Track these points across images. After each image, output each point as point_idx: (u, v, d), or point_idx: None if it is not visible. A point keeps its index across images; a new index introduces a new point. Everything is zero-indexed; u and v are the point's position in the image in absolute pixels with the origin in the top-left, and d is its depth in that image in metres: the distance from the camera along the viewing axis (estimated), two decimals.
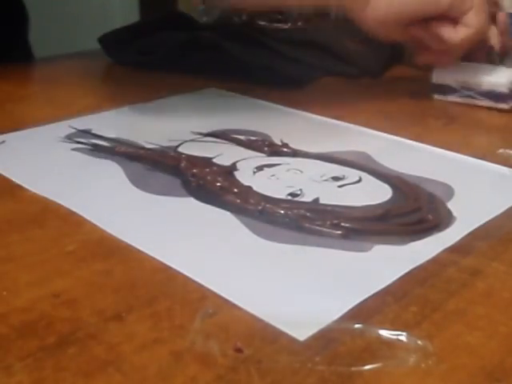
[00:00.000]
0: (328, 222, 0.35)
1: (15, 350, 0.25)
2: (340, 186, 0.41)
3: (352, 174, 0.43)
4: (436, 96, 0.65)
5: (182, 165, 0.43)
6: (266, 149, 0.47)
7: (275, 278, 0.30)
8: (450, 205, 0.39)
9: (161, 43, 0.69)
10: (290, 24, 0.74)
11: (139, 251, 0.32)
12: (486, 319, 0.28)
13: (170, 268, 0.31)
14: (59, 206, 0.37)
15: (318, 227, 0.35)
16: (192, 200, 0.38)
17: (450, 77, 0.64)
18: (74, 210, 0.36)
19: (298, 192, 0.39)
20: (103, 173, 0.42)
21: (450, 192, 0.40)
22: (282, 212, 0.36)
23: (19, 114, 0.56)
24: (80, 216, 0.36)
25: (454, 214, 0.37)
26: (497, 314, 0.28)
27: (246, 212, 0.37)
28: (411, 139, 0.50)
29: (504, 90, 0.60)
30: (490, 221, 0.37)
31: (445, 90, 0.64)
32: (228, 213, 0.37)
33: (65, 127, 0.50)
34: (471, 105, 0.61)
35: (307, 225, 0.35)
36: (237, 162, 0.44)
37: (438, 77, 0.65)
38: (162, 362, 0.24)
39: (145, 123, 0.53)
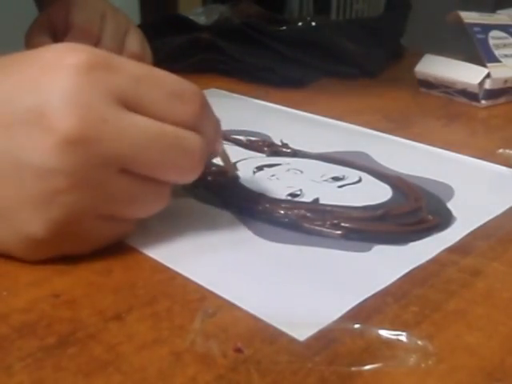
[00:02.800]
0: (328, 222, 0.35)
1: (15, 350, 0.25)
2: (340, 186, 0.41)
3: (352, 174, 0.43)
4: (421, 89, 0.66)
5: None
6: (265, 149, 0.47)
7: (275, 278, 0.30)
8: (450, 205, 0.39)
9: (161, 46, 0.69)
10: (289, 24, 0.74)
11: (139, 251, 0.32)
12: (486, 319, 0.28)
13: (169, 268, 0.31)
14: None
15: (317, 227, 0.35)
16: (192, 200, 0.38)
17: (430, 73, 0.64)
18: None
19: (298, 192, 0.39)
20: None
21: (449, 192, 0.40)
22: (282, 212, 0.36)
23: None
24: None
25: (454, 214, 0.37)
26: (497, 314, 0.28)
27: (246, 212, 0.37)
28: (411, 139, 0.50)
29: (475, 90, 0.61)
30: (489, 221, 0.37)
31: (427, 84, 0.65)
32: (228, 212, 0.37)
33: None
34: (454, 101, 0.62)
35: (307, 225, 0.35)
36: (237, 162, 0.44)
37: (420, 72, 0.66)
38: (162, 362, 0.24)
39: None
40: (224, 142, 0.48)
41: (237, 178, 0.41)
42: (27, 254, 0.30)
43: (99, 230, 0.31)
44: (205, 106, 0.32)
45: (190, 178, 0.32)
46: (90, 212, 0.29)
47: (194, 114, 0.31)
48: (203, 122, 0.32)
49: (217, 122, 0.34)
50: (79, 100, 0.28)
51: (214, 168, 0.42)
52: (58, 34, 0.60)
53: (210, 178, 0.41)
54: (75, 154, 0.27)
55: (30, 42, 0.59)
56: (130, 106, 0.29)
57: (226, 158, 0.40)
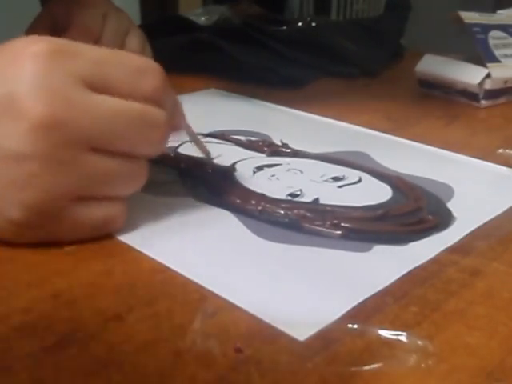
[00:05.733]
0: (328, 222, 0.35)
1: (15, 350, 0.25)
2: (340, 187, 0.41)
3: (352, 174, 0.43)
4: (422, 89, 0.66)
5: (182, 165, 0.43)
6: (265, 149, 0.47)
7: (275, 279, 0.30)
8: (449, 205, 0.39)
9: (161, 46, 0.69)
10: (289, 24, 0.74)
11: (139, 251, 0.32)
12: (486, 319, 0.28)
13: (169, 268, 0.31)
14: None
15: (317, 227, 0.35)
16: (191, 200, 0.38)
17: (430, 73, 0.64)
18: None
19: (298, 192, 0.39)
20: None
21: (449, 192, 0.40)
22: (282, 212, 0.36)
23: None
24: None
25: (454, 214, 0.37)
26: (497, 314, 0.28)
27: (246, 212, 0.37)
28: (411, 139, 0.50)
29: (475, 90, 0.61)
30: (489, 221, 0.37)
31: (428, 84, 0.65)
32: (228, 212, 0.37)
33: None
34: (454, 101, 0.62)
35: (307, 225, 0.35)
36: (237, 162, 0.44)
37: (420, 72, 0.65)
38: (162, 362, 0.24)
39: None
40: (224, 141, 0.48)
41: (211, 159, 0.42)
42: (14, 238, 0.31)
43: (82, 213, 0.32)
44: (165, 80, 0.33)
45: (157, 149, 0.33)
46: (67, 194, 0.30)
47: (156, 88, 0.32)
48: (165, 96, 0.33)
49: (175, 97, 0.36)
50: (43, 85, 0.29)
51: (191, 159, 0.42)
52: (58, 31, 0.60)
53: (182, 166, 0.42)
54: (45, 138, 0.29)
55: None
56: (95, 87, 0.30)
57: (195, 139, 0.41)
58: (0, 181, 0.30)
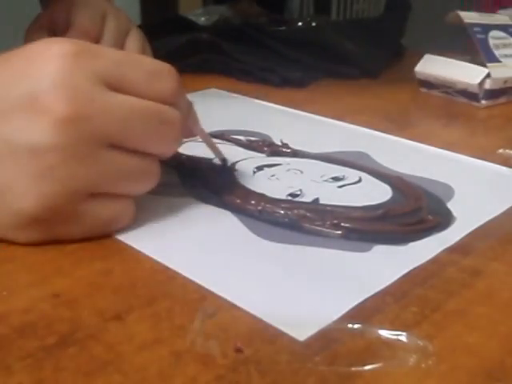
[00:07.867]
0: (328, 222, 0.35)
1: (15, 350, 0.25)
2: (340, 187, 0.41)
3: (352, 174, 0.43)
4: (422, 89, 0.66)
5: (182, 165, 0.43)
6: (265, 149, 0.47)
7: (275, 278, 0.30)
8: (449, 205, 0.39)
9: (161, 46, 0.69)
10: (289, 24, 0.74)
11: (139, 251, 0.32)
12: (486, 319, 0.28)
13: (169, 268, 0.31)
14: None
15: (317, 227, 0.35)
16: (192, 200, 0.38)
17: (431, 74, 0.65)
18: None
19: (298, 192, 0.39)
20: None
21: (450, 192, 0.40)
22: (282, 212, 0.36)
23: None
24: None
25: (454, 214, 0.37)
26: (497, 314, 0.28)
27: (245, 212, 0.37)
28: (411, 139, 0.50)
29: (475, 90, 0.61)
30: (489, 221, 0.37)
31: (428, 84, 0.65)
32: (228, 212, 0.37)
33: None
34: (454, 101, 0.62)
35: (307, 225, 0.35)
36: (237, 162, 0.44)
37: (420, 73, 0.66)
38: (162, 362, 0.24)
39: None
40: (224, 142, 0.48)
41: (225, 161, 0.43)
42: (20, 234, 0.32)
43: (93, 210, 0.32)
44: (180, 84, 0.34)
45: (171, 148, 0.34)
46: (83, 189, 0.31)
47: (172, 91, 0.33)
48: (179, 98, 0.34)
49: (189, 100, 0.37)
50: (68, 83, 0.30)
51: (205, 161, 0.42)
52: (58, 33, 0.60)
53: (182, 166, 0.42)
54: (67, 132, 0.29)
55: (29, 39, 0.59)
56: (114, 86, 0.31)
57: (210, 142, 0.41)
58: (15, 172, 0.30)
